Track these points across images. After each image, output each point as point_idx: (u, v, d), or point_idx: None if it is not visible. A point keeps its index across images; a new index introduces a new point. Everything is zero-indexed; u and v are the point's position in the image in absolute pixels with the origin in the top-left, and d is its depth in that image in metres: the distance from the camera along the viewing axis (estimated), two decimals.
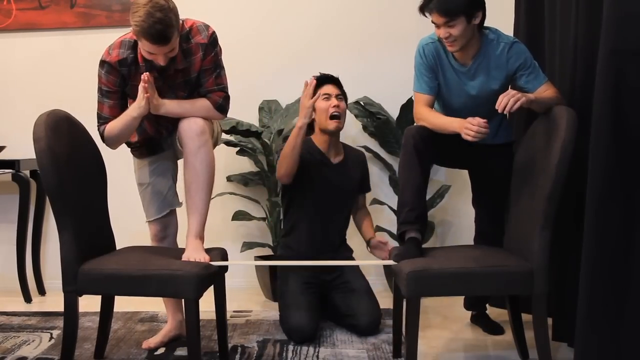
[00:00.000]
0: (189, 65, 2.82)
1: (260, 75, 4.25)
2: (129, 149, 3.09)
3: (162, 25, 2.54)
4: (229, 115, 3.93)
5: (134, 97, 2.80)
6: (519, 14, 3.38)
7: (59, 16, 4.25)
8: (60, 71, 4.29)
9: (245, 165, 4.18)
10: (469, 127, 2.66)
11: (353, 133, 4.24)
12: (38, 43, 4.29)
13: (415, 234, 2.77)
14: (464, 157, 3.08)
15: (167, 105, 2.78)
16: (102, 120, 2.84)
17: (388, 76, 4.14)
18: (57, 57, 4.29)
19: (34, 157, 2.50)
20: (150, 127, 2.98)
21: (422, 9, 2.78)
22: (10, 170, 3.84)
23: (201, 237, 2.75)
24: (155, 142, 3.04)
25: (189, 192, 2.78)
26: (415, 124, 2.93)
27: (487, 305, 3.37)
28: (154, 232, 3.08)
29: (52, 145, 2.51)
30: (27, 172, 3.98)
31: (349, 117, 4.11)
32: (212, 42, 2.83)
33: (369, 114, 4.05)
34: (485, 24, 2.83)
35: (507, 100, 2.59)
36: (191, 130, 2.76)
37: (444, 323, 3.42)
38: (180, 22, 2.73)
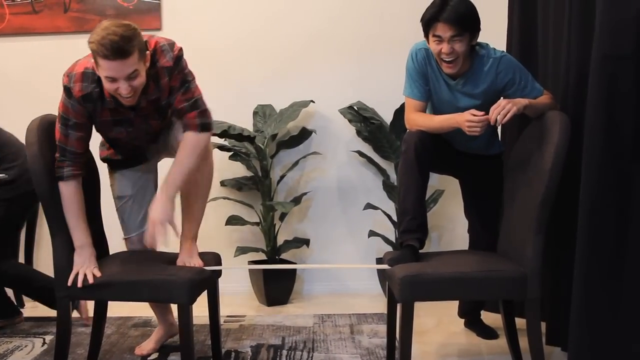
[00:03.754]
0: (159, 92, 2.59)
1: (255, 80, 4.25)
2: (106, 164, 2.91)
3: (118, 36, 2.31)
4: (222, 119, 3.97)
5: (103, 132, 2.70)
6: (512, 19, 3.39)
7: (52, 21, 4.24)
8: (53, 76, 4.22)
9: (239, 169, 4.17)
10: (472, 126, 2.67)
11: (347, 138, 4.25)
12: (31, 48, 4.28)
13: (415, 242, 2.77)
14: (457, 165, 3.09)
15: (167, 195, 2.54)
16: (68, 156, 2.55)
17: (382, 81, 4.15)
18: (50, 61, 4.27)
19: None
20: (131, 145, 2.80)
21: (431, 20, 2.71)
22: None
23: (195, 242, 2.74)
24: (139, 152, 2.87)
25: (187, 199, 2.75)
26: (413, 130, 2.88)
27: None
28: (132, 249, 2.92)
29: (44, 150, 2.51)
30: None
31: (343, 121, 4.13)
32: (177, 62, 2.56)
33: (363, 118, 4.05)
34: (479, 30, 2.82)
35: (497, 113, 2.61)
36: (197, 144, 2.62)
37: (438, 328, 3.42)
38: (144, 42, 2.49)
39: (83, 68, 2.51)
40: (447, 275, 2.51)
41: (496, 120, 2.61)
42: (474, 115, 2.67)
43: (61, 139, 2.55)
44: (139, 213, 2.88)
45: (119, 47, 2.31)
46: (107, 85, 2.43)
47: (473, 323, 3.32)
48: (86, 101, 2.51)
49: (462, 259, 2.68)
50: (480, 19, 2.77)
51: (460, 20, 2.68)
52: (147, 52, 2.46)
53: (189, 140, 2.60)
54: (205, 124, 2.62)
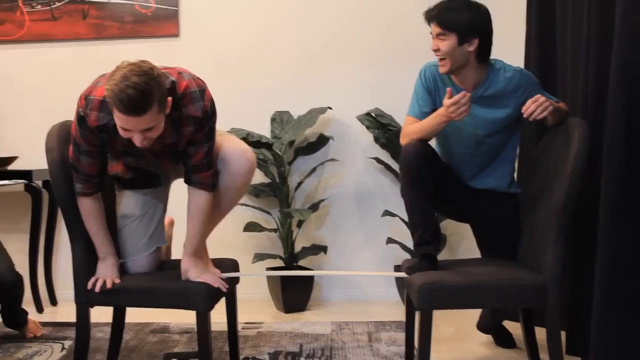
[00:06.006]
0: (178, 138, 2.43)
1: (273, 87, 4.26)
2: (115, 181, 2.73)
3: (137, 91, 2.12)
4: (239, 126, 3.98)
5: (113, 156, 2.56)
6: (530, 23, 3.37)
7: (71, 27, 4.28)
8: (72, 82, 4.29)
9: (256, 176, 4.16)
10: (456, 107, 2.60)
11: (364, 144, 4.24)
12: (51, 54, 4.32)
13: (432, 251, 2.74)
14: (469, 204, 2.98)
15: (195, 256, 2.55)
16: (80, 176, 2.46)
17: (399, 87, 4.13)
18: (69, 68, 4.31)
19: (47, 167, 2.51)
20: (147, 165, 2.61)
21: (426, 16, 2.78)
22: (23, 181, 3.85)
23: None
24: (152, 175, 2.70)
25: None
26: (410, 142, 2.77)
27: None
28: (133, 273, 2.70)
29: (64, 156, 2.52)
30: (40, 183, 3.99)
31: (360, 128, 4.12)
32: (208, 117, 2.40)
33: (380, 125, 4.04)
34: (497, 37, 2.78)
35: (535, 107, 2.55)
36: (244, 167, 2.53)
37: (457, 336, 3.40)
38: (172, 82, 2.32)
39: (102, 95, 2.30)
40: (465, 284, 2.50)
41: (531, 114, 2.55)
42: (449, 99, 2.62)
43: (73, 159, 2.46)
44: (144, 236, 2.68)
45: (137, 104, 2.15)
46: (121, 132, 2.28)
47: (492, 328, 3.28)
48: (101, 131, 2.37)
49: (480, 267, 2.66)
50: (489, 27, 2.73)
51: (444, 19, 2.70)
52: (169, 98, 2.28)
53: (204, 205, 2.53)
54: (215, 183, 2.54)
